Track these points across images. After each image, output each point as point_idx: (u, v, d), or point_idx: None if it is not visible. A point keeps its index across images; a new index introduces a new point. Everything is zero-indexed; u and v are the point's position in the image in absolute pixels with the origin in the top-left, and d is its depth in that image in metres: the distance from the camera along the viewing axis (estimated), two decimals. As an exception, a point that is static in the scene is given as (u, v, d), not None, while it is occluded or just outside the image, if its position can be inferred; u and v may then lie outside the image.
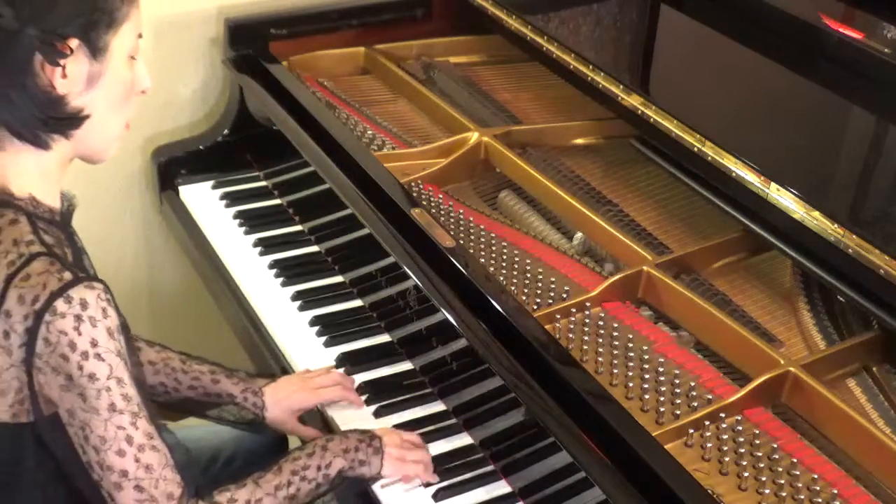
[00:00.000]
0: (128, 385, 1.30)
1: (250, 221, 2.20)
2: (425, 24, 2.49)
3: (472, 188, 2.07)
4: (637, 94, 1.89)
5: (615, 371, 1.62)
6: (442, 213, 1.94)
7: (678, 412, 1.55)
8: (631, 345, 1.66)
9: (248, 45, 2.31)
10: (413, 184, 1.98)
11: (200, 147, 2.38)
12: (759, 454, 1.49)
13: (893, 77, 1.79)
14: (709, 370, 1.62)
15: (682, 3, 2.21)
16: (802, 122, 1.95)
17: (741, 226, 1.78)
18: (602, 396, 1.48)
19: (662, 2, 2.24)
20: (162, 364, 1.69)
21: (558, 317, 1.69)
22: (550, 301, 1.74)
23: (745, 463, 1.48)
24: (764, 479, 1.45)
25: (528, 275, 1.80)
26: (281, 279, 2.04)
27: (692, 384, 1.59)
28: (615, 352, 1.65)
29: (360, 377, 1.80)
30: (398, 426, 1.69)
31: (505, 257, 1.84)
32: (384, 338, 1.90)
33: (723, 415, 1.52)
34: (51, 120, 1.31)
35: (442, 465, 1.63)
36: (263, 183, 2.32)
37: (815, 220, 1.57)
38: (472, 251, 1.84)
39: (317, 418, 1.76)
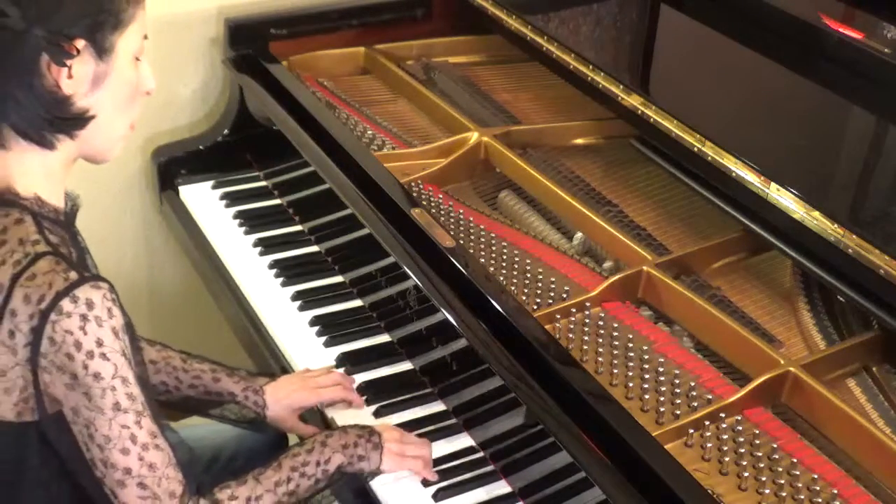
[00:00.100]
0: (132, 384, 1.31)
1: (250, 221, 2.20)
2: (425, 24, 2.49)
3: (472, 188, 2.07)
4: (637, 94, 1.89)
5: (615, 371, 1.62)
6: (442, 213, 1.94)
7: (678, 412, 1.55)
8: (631, 345, 1.66)
9: (248, 45, 2.31)
10: (413, 184, 1.98)
11: (200, 147, 2.38)
12: (759, 454, 1.49)
13: (893, 77, 1.79)
14: (709, 370, 1.62)
15: (682, 3, 2.21)
16: (802, 122, 1.95)
17: (741, 226, 1.78)
18: (602, 396, 1.48)
19: (662, 2, 2.24)
20: (163, 363, 1.69)
21: (558, 317, 1.69)
22: (550, 301, 1.74)
23: (745, 463, 1.48)
24: (764, 479, 1.45)
25: (528, 275, 1.80)
26: (281, 279, 2.04)
27: (692, 384, 1.59)
28: (615, 352, 1.65)
29: (360, 377, 1.80)
30: (398, 426, 1.69)
31: (505, 257, 1.84)
32: (384, 338, 1.90)
33: (723, 415, 1.52)
34: (56, 120, 1.31)
35: (442, 465, 1.63)
36: (263, 183, 2.32)
37: (815, 220, 1.57)
38: (472, 251, 1.84)
39: (317, 418, 1.76)
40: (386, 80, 2.37)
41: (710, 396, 1.57)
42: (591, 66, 1.98)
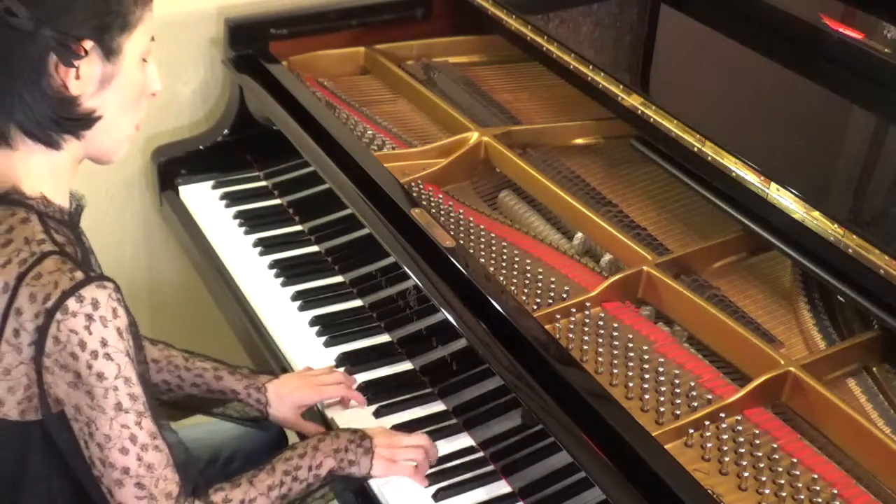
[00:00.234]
0: (134, 384, 1.31)
1: (250, 221, 2.20)
2: (425, 24, 2.49)
3: (472, 188, 2.07)
4: (637, 94, 1.89)
5: (615, 371, 1.62)
6: (442, 213, 1.94)
7: (678, 412, 1.55)
8: (631, 345, 1.66)
9: (248, 45, 2.31)
10: (413, 184, 1.98)
11: (200, 147, 2.38)
12: (759, 454, 1.49)
13: (893, 77, 1.79)
14: (709, 370, 1.62)
15: (682, 3, 2.21)
16: (802, 122, 1.95)
17: (741, 226, 1.78)
18: (602, 396, 1.48)
19: (662, 2, 2.24)
20: (165, 362, 1.69)
21: (558, 317, 1.69)
22: (550, 301, 1.74)
23: (745, 463, 1.48)
24: (764, 479, 1.45)
25: (528, 275, 1.80)
26: (281, 279, 2.04)
27: (692, 384, 1.59)
28: (615, 352, 1.65)
29: (361, 377, 1.80)
30: (398, 426, 1.70)
31: (505, 257, 1.84)
32: (384, 338, 1.90)
33: (723, 415, 1.52)
34: (63, 120, 1.31)
35: (442, 465, 1.63)
36: (263, 183, 2.32)
37: (815, 220, 1.57)
38: (472, 251, 1.84)
39: (317, 420, 1.76)
40: (386, 80, 2.37)
41: (710, 396, 1.57)
42: (591, 66, 1.98)
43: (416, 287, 1.75)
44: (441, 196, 1.98)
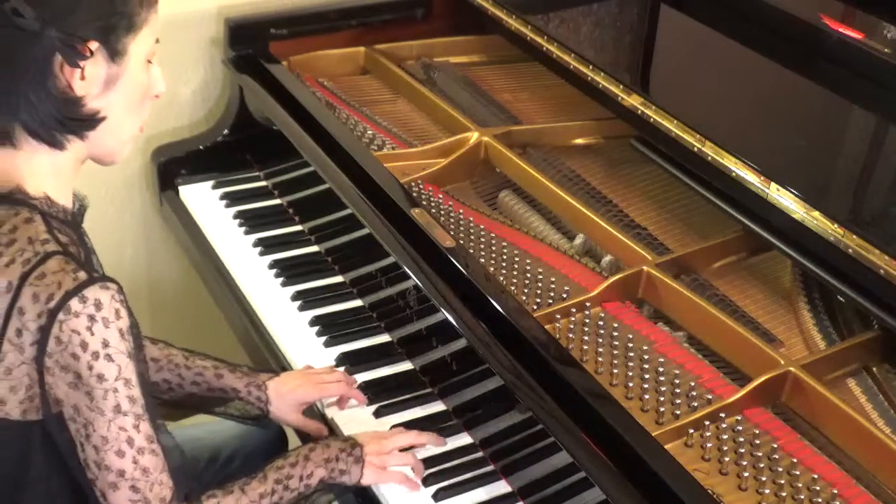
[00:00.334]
0: (134, 387, 1.31)
1: (250, 221, 2.20)
2: (425, 24, 2.49)
3: (472, 188, 2.07)
4: (637, 94, 1.89)
5: (615, 371, 1.62)
6: (442, 213, 1.94)
7: (678, 412, 1.55)
8: (631, 345, 1.66)
9: (248, 45, 2.31)
10: (413, 184, 1.98)
11: (200, 147, 2.38)
12: (759, 454, 1.49)
13: (893, 77, 1.79)
14: (709, 370, 1.62)
15: (682, 3, 2.21)
16: (802, 122, 1.95)
17: (741, 226, 1.78)
18: (602, 396, 1.48)
19: (662, 2, 2.24)
20: (165, 360, 1.69)
21: (558, 317, 1.69)
22: (550, 301, 1.74)
23: (745, 463, 1.48)
24: (764, 479, 1.45)
25: (528, 275, 1.80)
26: (281, 279, 2.04)
27: (692, 384, 1.59)
28: (615, 352, 1.65)
29: (361, 377, 1.80)
30: (398, 426, 1.70)
31: (505, 257, 1.84)
32: (384, 338, 1.90)
33: (723, 415, 1.52)
34: (67, 121, 1.31)
35: (442, 464, 1.63)
36: (263, 183, 2.32)
37: (815, 220, 1.57)
38: (472, 251, 1.84)
39: (318, 419, 1.76)
40: (386, 80, 2.37)
41: (710, 396, 1.57)
42: (591, 66, 1.98)
43: (416, 287, 1.75)
44: (441, 196, 1.98)
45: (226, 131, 2.37)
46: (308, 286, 2.01)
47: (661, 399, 1.57)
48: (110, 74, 1.32)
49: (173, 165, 2.35)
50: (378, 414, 1.74)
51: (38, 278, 1.27)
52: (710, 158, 1.73)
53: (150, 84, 1.40)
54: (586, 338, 1.67)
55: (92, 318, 1.26)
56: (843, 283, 1.59)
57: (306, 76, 2.33)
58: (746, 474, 1.47)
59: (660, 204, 1.97)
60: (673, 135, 1.79)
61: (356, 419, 1.73)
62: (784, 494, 1.44)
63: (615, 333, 1.67)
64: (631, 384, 1.60)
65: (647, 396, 1.57)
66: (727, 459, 1.48)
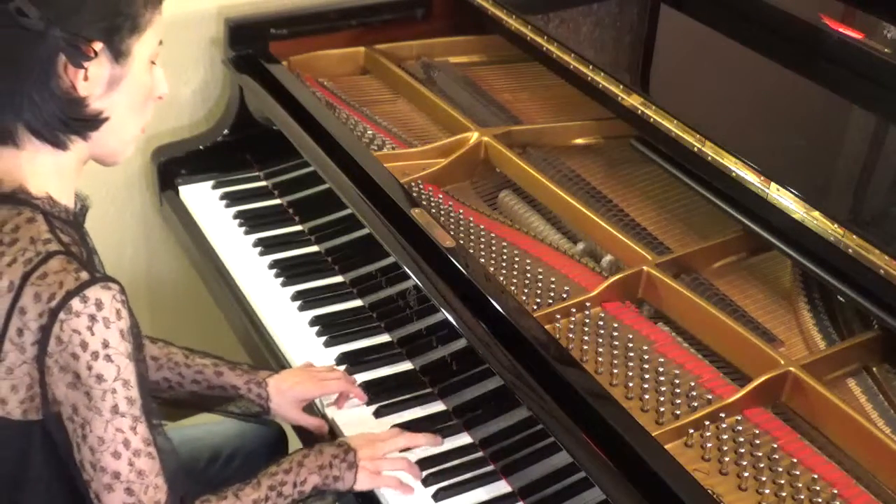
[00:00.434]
0: (133, 388, 1.31)
1: (250, 221, 2.20)
2: (425, 24, 2.49)
3: (472, 188, 2.07)
4: (637, 94, 1.89)
5: (615, 371, 1.62)
6: (442, 213, 1.94)
7: (678, 412, 1.55)
8: (631, 345, 1.66)
9: (248, 45, 2.31)
10: (413, 184, 1.98)
11: (200, 147, 2.38)
12: (759, 454, 1.49)
13: (893, 77, 1.79)
14: (709, 370, 1.62)
15: (682, 3, 2.21)
16: (802, 122, 1.95)
17: (741, 226, 1.78)
18: (602, 396, 1.48)
19: (662, 2, 2.24)
20: (165, 359, 1.70)
21: (558, 317, 1.69)
22: (550, 301, 1.74)
23: (745, 463, 1.48)
24: (764, 479, 1.45)
25: (528, 275, 1.80)
26: (281, 279, 2.04)
27: (692, 384, 1.59)
28: (615, 352, 1.65)
29: (360, 377, 1.80)
30: (398, 426, 1.69)
31: (505, 257, 1.84)
32: (384, 338, 1.90)
33: (723, 415, 1.52)
34: (71, 121, 1.32)
35: (442, 464, 1.63)
36: (263, 183, 2.32)
37: (815, 220, 1.57)
38: (472, 251, 1.84)
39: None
40: (386, 80, 2.37)
41: (710, 396, 1.57)
42: (591, 66, 1.98)
43: (416, 287, 1.75)
44: (441, 196, 1.98)
45: (226, 131, 2.37)
46: (308, 286, 2.01)
47: (661, 399, 1.57)
48: (114, 75, 1.33)
49: (173, 165, 2.35)
50: (378, 414, 1.74)
51: (39, 278, 1.28)
52: (710, 158, 1.73)
53: (154, 85, 1.40)
54: (586, 338, 1.67)
55: (93, 317, 1.26)
56: (843, 283, 1.59)
57: (306, 76, 2.33)
58: (746, 474, 1.47)
59: (660, 204, 1.97)
60: (673, 135, 1.79)
61: (356, 419, 1.73)
62: (784, 494, 1.44)
63: (615, 333, 1.67)
64: (631, 384, 1.60)
65: (647, 396, 1.57)
66: (727, 459, 1.48)
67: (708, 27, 2.12)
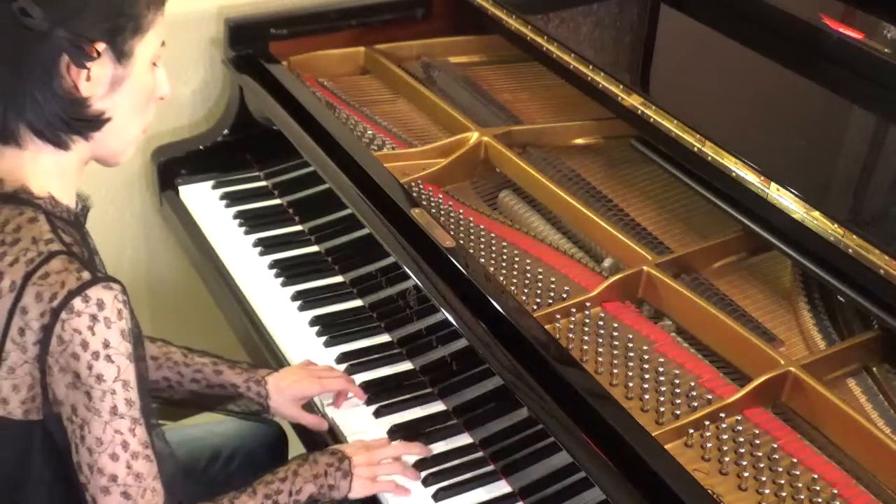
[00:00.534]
0: (132, 389, 1.31)
1: (250, 221, 2.20)
2: (425, 24, 2.49)
3: (472, 188, 2.07)
4: (637, 94, 1.89)
5: (615, 371, 1.62)
6: (442, 213, 1.94)
7: (678, 412, 1.55)
8: (631, 345, 1.66)
9: (248, 45, 2.31)
10: (413, 184, 1.98)
11: (200, 147, 2.38)
12: (759, 454, 1.49)
13: (893, 77, 1.79)
14: (709, 370, 1.62)
15: (682, 3, 2.21)
16: (802, 122, 1.95)
17: (741, 226, 1.78)
18: (602, 396, 1.48)
19: (662, 2, 2.24)
20: (164, 358, 1.70)
21: (558, 317, 1.69)
22: (550, 301, 1.74)
23: (745, 463, 1.48)
24: (764, 479, 1.46)
25: (528, 275, 1.80)
26: (281, 279, 2.04)
27: (692, 384, 1.59)
28: (615, 352, 1.65)
29: (360, 377, 1.80)
30: (398, 426, 1.70)
31: (505, 257, 1.84)
32: (384, 338, 1.90)
33: (723, 415, 1.52)
34: (73, 121, 1.32)
35: (442, 464, 1.63)
36: (263, 183, 2.32)
37: (815, 220, 1.57)
38: (472, 251, 1.84)
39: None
40: (386, 80, 2.37)
41: (710, 396, 1.57)
42: (591, 66, 1.98)
43: (416, 287, 1.75)
44: (441, 196, 1.98)
45: (226, 131, 2.37)
46: (308, 286, 2.01)
47: (661, 399, 1.57)
48: (116, 76, 1.33)
49: (173, 165, 2.35)
50: (378, 414, 1.74)
51: (41, 277, 1.28)
52: (710, 158, 1.73)
53: (156, 86, 1.40)
54: (586, 338, 1.67)
55: (94, 317, 1.26)
56: (843, 283, 1.59)
57: (306, 76, 2.33)
58: (746, 474, 1.47)
59: (660, 204, 1.97)
60: (673, 135, 1.79)
61: (356, 419, 1.73)
62: (784, 494, 1.44)
63: (615, 333, 1.67)
64: (631, 384, 1.60)
65: (647, 396, 1.57)
66: (727, 459, 1.48)
67: (708, 27, 2.12)
